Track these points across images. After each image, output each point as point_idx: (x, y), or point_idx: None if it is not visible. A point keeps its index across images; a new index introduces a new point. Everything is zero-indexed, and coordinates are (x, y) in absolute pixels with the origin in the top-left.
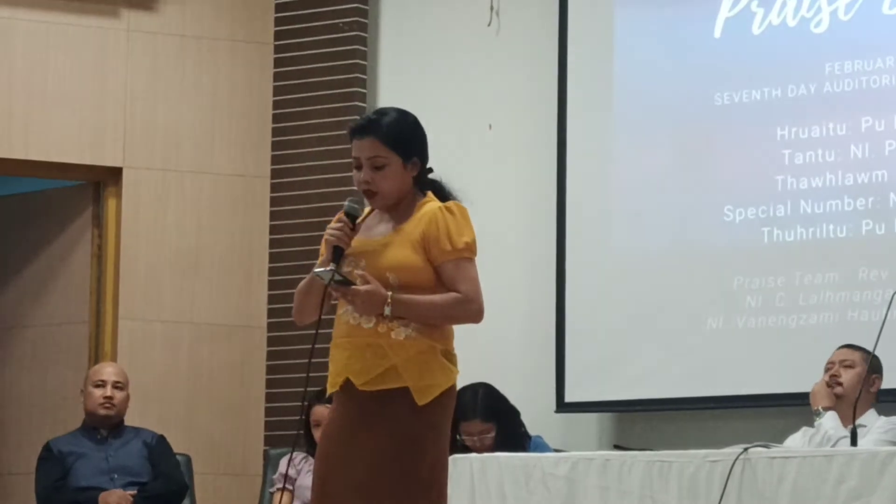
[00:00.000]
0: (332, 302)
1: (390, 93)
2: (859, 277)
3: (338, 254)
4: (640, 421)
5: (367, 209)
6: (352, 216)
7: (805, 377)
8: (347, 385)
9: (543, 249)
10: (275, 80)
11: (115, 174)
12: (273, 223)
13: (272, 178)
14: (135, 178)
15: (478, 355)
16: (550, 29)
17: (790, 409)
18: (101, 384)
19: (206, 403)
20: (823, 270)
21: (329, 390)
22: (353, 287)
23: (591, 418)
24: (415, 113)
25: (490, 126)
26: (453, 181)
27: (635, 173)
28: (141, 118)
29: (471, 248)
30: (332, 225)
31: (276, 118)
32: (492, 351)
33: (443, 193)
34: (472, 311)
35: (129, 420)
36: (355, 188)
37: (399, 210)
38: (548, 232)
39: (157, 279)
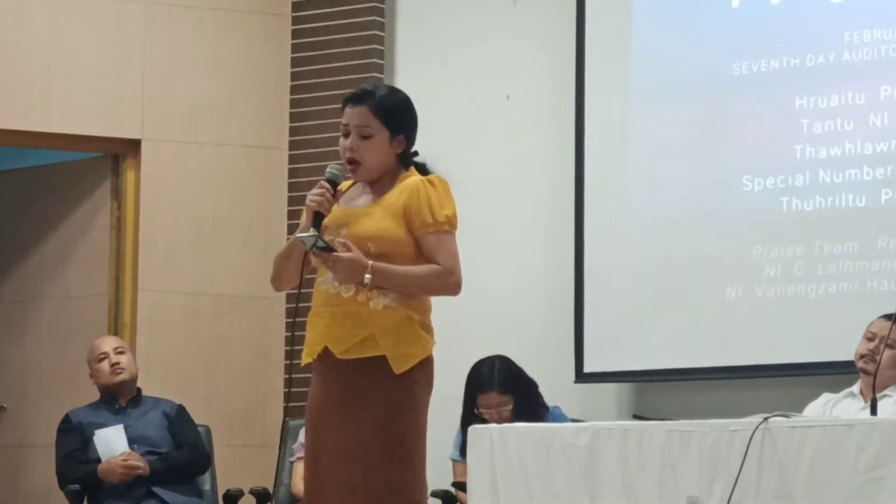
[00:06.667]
0: (309, 276)
1: (408, 64)
2: (878, 246)
3: (318, 219)
4: (660, 391)
5: (348, 182)
6: (333, 182)
7: (824, 346)
8: (325, 354)
9: (562, 220)
10: (292, 52)
11: (133, 146)
12: (291, 194)
13: (290, 149)
14: (153, 150)
15: (497, 326)
16: None
17: (809, 378)
18: (104, 356)
19: (225, 374)
20: (842, 240)
21: (305, 360)
22: (335, 254)
23: (610, 388)
24: (433, 84)
25: (508, 97)
26: (470, 152)
27: (653, 143)
28: (159, 90)
29: (451, 222)
30: (314, 191)
31: (293, 89)
32: (511, 322)
33: (425, 171)
34: (450, 283)
35: (149, 391)
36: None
37: (381, 183)
38: (566, 202)
39: (175, 251)
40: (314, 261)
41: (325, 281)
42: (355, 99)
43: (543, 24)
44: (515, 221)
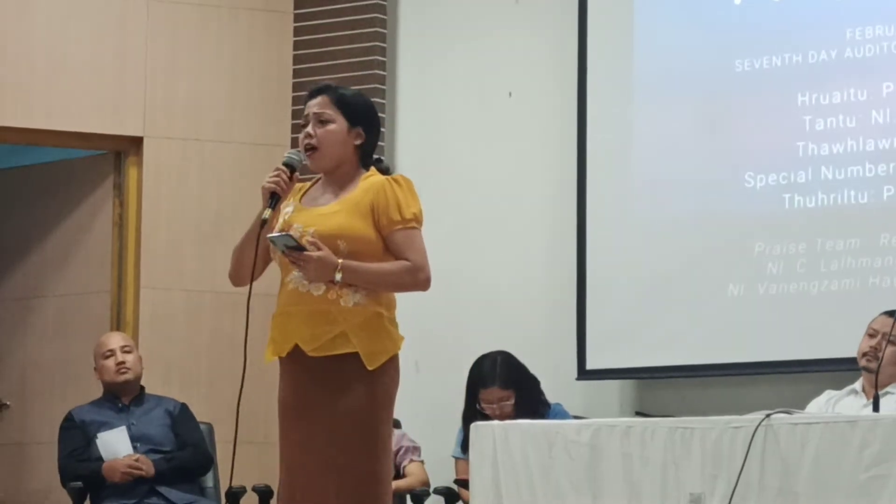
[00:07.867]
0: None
1: (410, 61)
2: (881, 243)
3: (274, 200)
4: (662, 388)
5: (307, 183)
6: (290, 167)
7: (826, 343)
8: (295, 352)
9: (564, 216)
10: (295, 49)
11: (136, 143)
12: None
13: (292, 146)
14: (156, 148)
15: (499, 323)
16: None
17: (812, 375)
18: (111, 353)
19: (227, 372)
20: (844, 236)
21: (269, 357)
22: (306, 252)
23: (612, 385)
24: (434, 81)
25: (510, 94)
26: (473, 149)
27: (656, 140)
28: (162, 87)
29: (418, 219)
30: (271, 173)
31: (296, 86)
32: (513, 319)
33: (387, 173)
34: (420, 279)
35: (151, 389)
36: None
37: (342, 181)
38: (569, 199)
39: (178, 248)
40: (276, 257)
41: (292, 280)
42: (316, 91)
43: (546, 21)
44: (518, 218)
